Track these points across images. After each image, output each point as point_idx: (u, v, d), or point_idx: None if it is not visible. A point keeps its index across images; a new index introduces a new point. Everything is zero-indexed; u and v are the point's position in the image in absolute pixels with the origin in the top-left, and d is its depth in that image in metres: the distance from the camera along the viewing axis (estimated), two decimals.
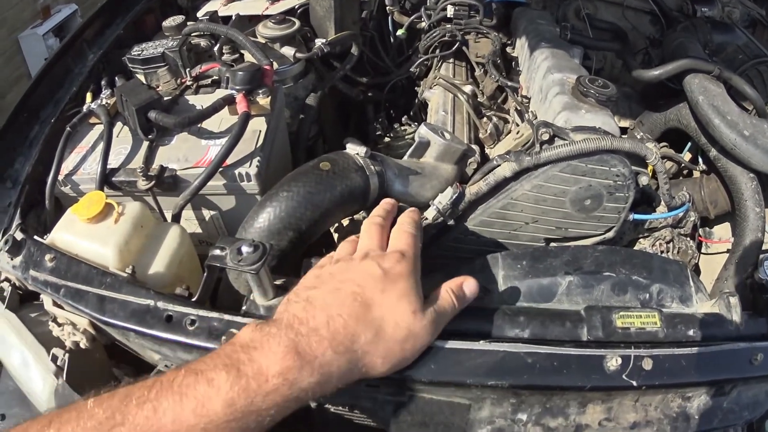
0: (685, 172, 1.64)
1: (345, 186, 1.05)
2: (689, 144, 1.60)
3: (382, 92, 1.61)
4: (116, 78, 1.45)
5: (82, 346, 1.02)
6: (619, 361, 0.87)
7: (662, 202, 1.37)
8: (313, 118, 1.41)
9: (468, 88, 1.44)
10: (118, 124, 1.24)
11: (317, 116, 1.46)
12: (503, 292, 1.02)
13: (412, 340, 0.71)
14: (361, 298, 0.69)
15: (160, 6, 1.72)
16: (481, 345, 0.87)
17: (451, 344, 0.85)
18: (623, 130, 1.65)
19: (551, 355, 0.87)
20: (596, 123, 1.21)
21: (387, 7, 1.64)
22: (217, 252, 0.83)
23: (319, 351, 0.64)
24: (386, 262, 0.73)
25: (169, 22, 1.49)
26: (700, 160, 1.61)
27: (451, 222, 1.18)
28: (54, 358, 1.02)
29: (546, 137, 1.15)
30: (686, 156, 1.62)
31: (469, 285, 0.82)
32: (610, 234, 1.24)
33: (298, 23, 1.40)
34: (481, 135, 1.34)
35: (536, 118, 1.28)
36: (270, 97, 1.25)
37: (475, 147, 1.25)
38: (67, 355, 1.02)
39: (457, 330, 0.88)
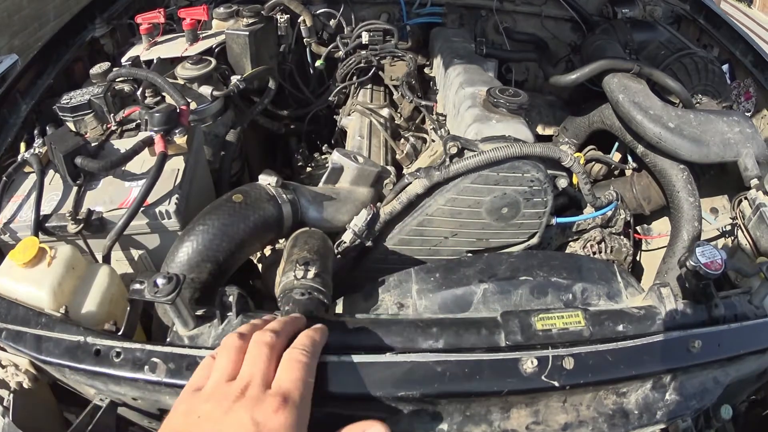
0: (616, 172, 1.72)
1: (258, 216, 1.10)
2: (617, 144, 1.69)
3: (304, 123, 1.68)
4: (47, 127, 1.52)
5: (25, 386, 1.04)
6: (536, 362, 0.88)
7: (588, 204, 1.45)
8: (235, 154, 1.47)
9: (385, 112, 1.51)
10: (51, 172, 1.30)
11: (239, 151, 1.52)
12: (418, 305, 1.06)
13: None
14: None
15: (88, 54, 1.79)
16: (388, 357, 0.89)
17: (358, 358, 0.87)
18: (548, 138, 1.73)
19: (462, 362, 0.89)
20: (508, 131, 1.28)
21: (304, 39, 1.72)
22: (137, 286, 0.87)
23: None
24: (261, 413, 0.62)
25: (96, 69, 1.55)
26: (629, 158, 1.69)
27: (369, 243, 1.22)
28: None
29: (454, 150, 1.20)
30: (615, 156, 1.70)
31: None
32: (535, 240, 1.29)
33: (214, 62, 1.46)
34: (398, 156, 1.40)
35: (449, 133, 1.35)
36: (186, 136, 1.31)
37: (390, 168, 1.31)
38: (11, 395, 1.05)
39: (367, 345, 0.91)
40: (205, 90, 1.45)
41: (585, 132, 1.67)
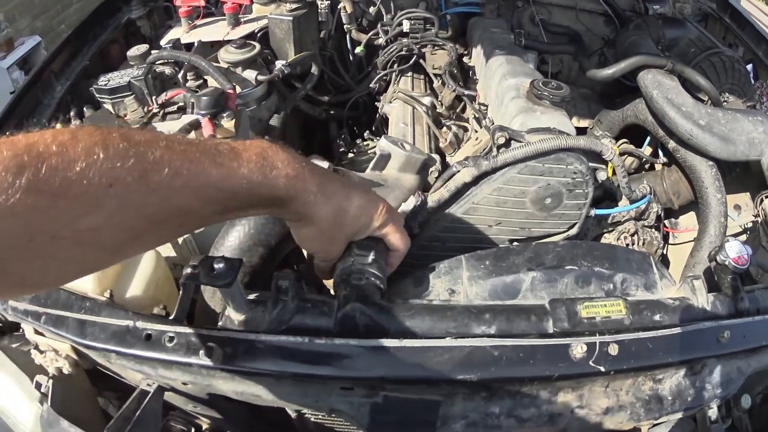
0: (647, 166, 1.73)
1: None
2: (648, 138, 1.70)
3: (344, 109, 1.68)
4: (84, 108, 1.51)
5: (65, 371, 1.04)
6: (585, 348, 0.91)
7: (624, 197, 1.46)
8: (277, 139, 1.47)
9: (427, 100, 1.51)
10: None
11: (281, 136, 1.52)
12: (469, 292, 1.09)
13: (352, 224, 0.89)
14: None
15: (124, 36, 1.78)
16: (448, 342, 0.92)
17: (418, 342, 0.90)
18: (583, 130, 1.74)
19: (517, 347, 0.92)
20: (551, 123, 1.29)
21: (345, 26, 1.72)
22: (191, 270, 0.87)
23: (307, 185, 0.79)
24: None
25: (134, 51, 1.54)
26: (660, 153, 1.70)
27: (416, 230, 1.25)
28: (38, 386, 1.05)
29: (502, 141, 1.22)
30: (647, 150, 1.71)
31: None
32: (574, 231, 1.31)
33: (258, 46, 1.46)
34: (441, 144, 1.41)
35: (493, 123, 1.36)
36: (234, 120, 1.31)
37: (435, 156, 1.32)
38: (50, 381, 1.04)
39: (423, 330, 0.93)
40: (250, 74, 1.45)
41: (619, 126, 1.68)
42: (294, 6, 1.54)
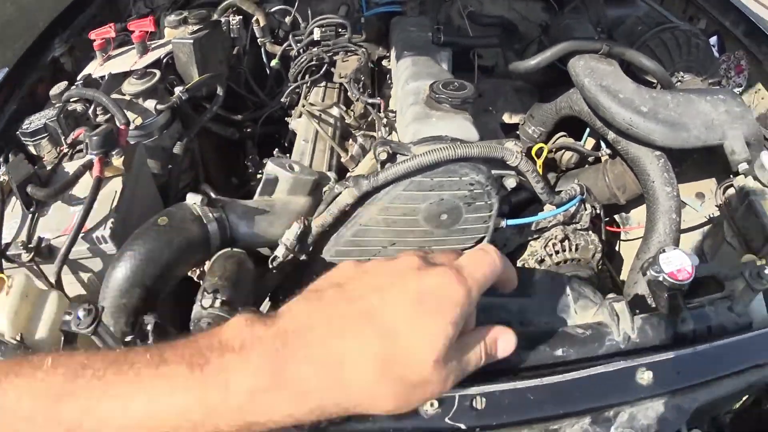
0: (591, 159, 1.58)
1: (183, 238, 1.04)
2: (588, 130, 1.55)
3: (257, 127, 1.60)
4: (9, 154, 1.50)
5: None
6: (436, 404, 0.75)
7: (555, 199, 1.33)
8: (184, 166, 1.42)
9: (335, 111, 1.42)
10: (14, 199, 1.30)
11: (189, 163, 1.46)
12: None
13: (426, 388, 0.57)
14: (378, 322, 0.55)
15: (51, 74, 1.76)
16: None
17: None
18: (514, 127, 1.60)
19: None
20: (449, 129, 1.16)
21: (258, 40, 1.64)
22: (66, 317, 0.86)
23: (302, 375, 0.53)
24: (430, 280, 0.57)
25: (54, 90, 1.51)
26: (602, 144, 1.55)
27: (303, 257, 1.15)
28: None
29: (384, 156, 1.11)
30: (589, 143, 1.57)
31: (506, 342, 0.65)
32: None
33: (158, 74, 1.40)
34: (343, 159, 1.32)
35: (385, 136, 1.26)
36: (124, 157, 1.27)
37: (331, 174, 1.22)
38: None
39: None
40: (150, 104, 1.40)
41: (553, 119, 1.53)
42: (196, 28, 1.47)
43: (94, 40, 1.61)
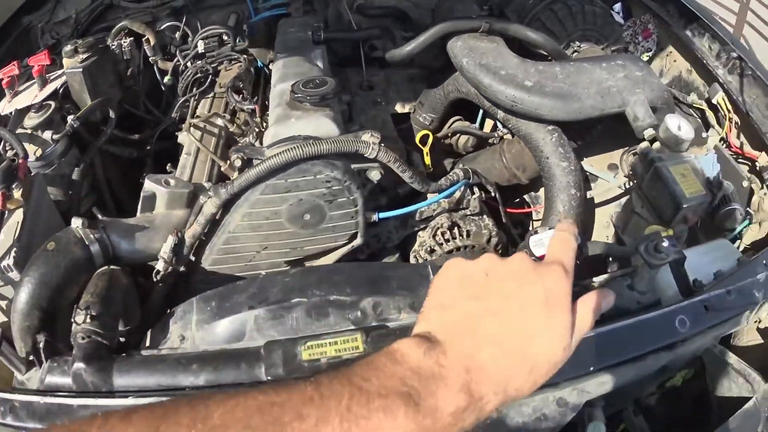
0: (491, 141, 1.55)
1: (68, 261, 1.10)
2: (481, 111, 1.52)
3: (153, 144, 1.62)
4: None
5: None
6: None
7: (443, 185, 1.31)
8: (85, 190, 1.46)
9: (219, 121, 1.43)
10: None
11: (90, 187, 1.50)
12: (196, 337, 1.02)
13: (555, 369, 0.65)
14: (524, 330, 0.62)
15: None
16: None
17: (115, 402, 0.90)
18: (406, 116, 1.58)
19: None
20: (307, 129, 1.20)
21: (150, 58, 1.65)
22: None
23: (483, 391, 0.59)
24: (549, 280, 0.64)
25: None
26: (498, 125, 1.52)
27: (182, 269, 1.19)
28: None
29: (239, 163, 1.14)
30: (488, 125, 1.54)
31: (608, 300, 0.72)
32: (358, 240, 1.22)
33: (53, 106, 1.46)
34: (223, 168, 1.33)
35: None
36: (23, 189, 1.31)
37: (206, 184, 1.25)
38: None
39: (139, 385, 0.92)
40: (48, 135, 1.45)
41: (442, 104, 1.53)
42: (85, 56, 1.51)
43: (2, 79, 1.64)
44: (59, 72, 1.65)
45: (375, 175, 1.19)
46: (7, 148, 1.53)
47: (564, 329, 0.63)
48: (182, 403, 0.51)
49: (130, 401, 0.90)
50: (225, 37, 1.58)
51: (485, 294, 0.65)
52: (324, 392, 0.53)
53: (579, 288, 0.71)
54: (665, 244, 1.04)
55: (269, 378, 0.91)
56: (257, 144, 1.33)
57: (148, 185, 1.24)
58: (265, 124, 1.33)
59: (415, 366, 0.57)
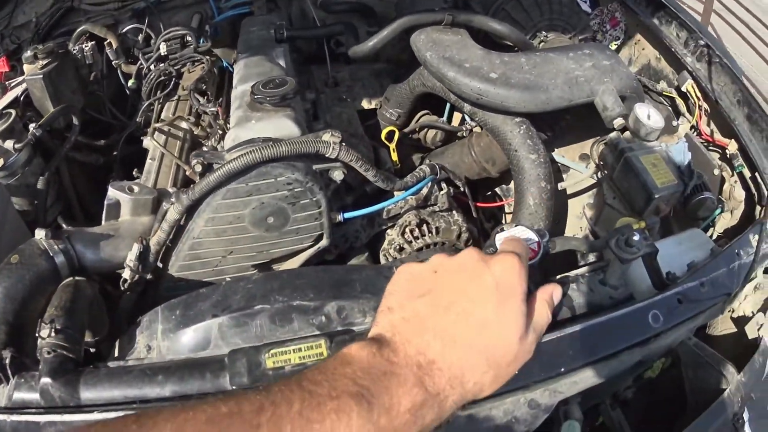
0: (461, 134, 1.55)
1: (33, 273, 1.09)
2: (449, 105, 1.51)
3: (118, 149, 1.60)
4: None
5: None
6: None
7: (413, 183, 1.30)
8: (51, 199, 1.43)
9: (184, 124, 1.41)
10: None
11: (56, 195, 1.48)
12: (162, 347, 1.01)
13: (516, 363, 0.64)
14: (474, 321, 0.62)
15: None
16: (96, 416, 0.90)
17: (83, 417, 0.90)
18: (373, 112, 1.57)
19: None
20: (268, 130, 1.20)
21: (113, 62, 1.63)
22: None
23: (440, 386, 0.59)
24: (498, 269, 0.64)
25: None
26: (466, 118, 1.51)
27: (150, 276, 1.18)
28: None
29: (199, 168, 1.13)
30: (456, 119, 1.53)
31: (557, 293, 0.72)
32: (324, 242, 1.21)
33: (13, 114, 1.43)
34: (187, 172, 1.31)
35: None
36: None
37: (171, 189, 1.24)
38: None
39: (106, 398, 0.91)
40: (9, 144, 1.42)
41: (408, 99, 1.52)
42: (45, 62, 1.48)
43: None
44: (19, 79, 1.62)
45: (338, 175, 1.18)
46: None
47: (516, 316, 0.63)
48: (130, 421, 0.50)
49: (95, 416, 0.90)
50: (188, 38, 1.57)
51: (435, 290, 0.64)
52: (275, 399, 0.53)
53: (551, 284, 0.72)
54: (636, 237, 1.03)
55: (234, 387, 0.90)
56: (221, 147, 1.32)
57: (112, 192, 1.23)
58: (228, 126, 1.32)
59: (366, 366, 0.57)
